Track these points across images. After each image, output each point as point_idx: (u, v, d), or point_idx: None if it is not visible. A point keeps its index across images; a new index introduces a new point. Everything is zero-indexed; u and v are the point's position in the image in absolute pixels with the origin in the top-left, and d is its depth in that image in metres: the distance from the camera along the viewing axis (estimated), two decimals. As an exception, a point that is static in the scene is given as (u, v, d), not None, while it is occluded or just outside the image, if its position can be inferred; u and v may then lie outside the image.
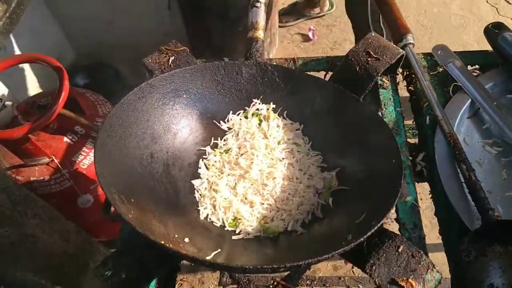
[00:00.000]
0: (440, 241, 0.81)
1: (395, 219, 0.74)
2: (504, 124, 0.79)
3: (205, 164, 0.79)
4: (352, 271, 1.78)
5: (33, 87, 1.77)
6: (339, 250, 0.53)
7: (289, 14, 2.54)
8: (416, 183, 0.78)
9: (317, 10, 2.51)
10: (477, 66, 0.90)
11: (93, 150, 1.31)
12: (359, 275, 1.75)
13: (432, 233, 1.50)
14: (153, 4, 1.92)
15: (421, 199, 1.83)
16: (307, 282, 1.55)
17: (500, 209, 0.73)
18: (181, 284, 1.72)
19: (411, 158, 0.80)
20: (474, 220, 0.70)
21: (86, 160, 1.33)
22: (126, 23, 1.98)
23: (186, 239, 0.63)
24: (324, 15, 2.56)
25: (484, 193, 0.69)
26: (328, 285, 1.60)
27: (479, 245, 0.67)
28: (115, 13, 1.95)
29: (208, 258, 0.57)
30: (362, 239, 0.54)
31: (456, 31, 2.48)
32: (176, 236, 0.63)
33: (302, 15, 2.54)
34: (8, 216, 0.93)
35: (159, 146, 0.76)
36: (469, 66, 0.89)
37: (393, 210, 0.74)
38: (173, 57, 0.85)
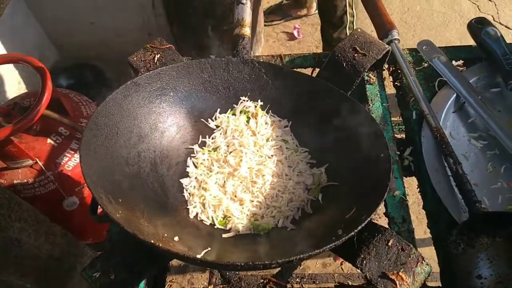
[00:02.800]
0: (427, 236, 0.82)
1: (384, 213, 0.74)
2: (489, 117, 0.80)
3: (193, 163, 0.78)
4: (341, 267, 1.79)
5: (14, 89, 1.74)
6: (330, 245, 0.53)
7: (275, 13, 2.53)
8: (403, 178, 0.78)
9: (304, 11, 2.50)
10: (461, 61, 0.91)
11: (78, 150, 1.29)
12: (348, 272, 1.77)
13: (419, 228, 1.51)
14: (137, 2, 1.89)
15: (407, 194, 1.85)
16: (297, 279, 1.55)
17: (486, 201, 0.74)
18: (171, 286, 1.70)
19: (398, 153, 0.80)
20: (461, 212, 0.70)
21: (71, 161, 1.30)
22: (110, 22, 1.95)
23: (176, 238, 0.62)
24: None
25: (471, 185, 0.69)
26: (317, 282, 1.61)
27: (467, 237, 0.68)
28: (98, 12, 1.92)
29: (198, 256, 0.57)
30: (352, 233, 0.54)
31: (439, 29, 2.51)
32: (166, 235, 0.62)
33: (288, 15, 2.53)
34: (-9, 220, 0.91)
35: (146, 145, 0.75)
36: (453, 61, 0.90)
37: (382, 205, 0.75)
38: (158, 55, 0.84)
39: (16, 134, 1.16)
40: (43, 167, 1.25)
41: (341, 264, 1.79)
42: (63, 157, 1.29)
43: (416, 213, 1.79)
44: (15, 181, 1.24)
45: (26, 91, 1.74)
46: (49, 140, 1.29)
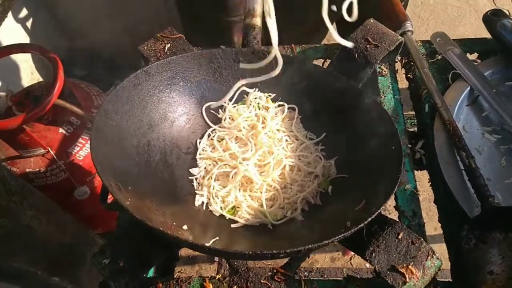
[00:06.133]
0: (438, 232, 0.80)
1: (394, 207, 0.74)
2: (503, 111, 0.79)
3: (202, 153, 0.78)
4: (350, 262, 1.78)
5: (27, 79, 1.75)
6: (339, 236, 0.52)
7: None
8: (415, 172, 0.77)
9: None
10: (476, 54, 0.90)
11: (89, 138, 1.30)
12: (357, 267, 1.76)
13: (429, 224, 1.49)
14: (149, -5, 1.90)
15: (418, 190, 1.82)
16: (305, 273, 1.55)
17: (499, 196, 0.72)
18: (179, 276, 1.72)
19: (410, 146, 0.79)
20: (473, 207, 0.69)
21: (82, 151, 1.32)
22: (121, 14, 1.96)
23: (185, 227, 0.62)
24: None
25: (483, 180, 0.68)
26: (325, 276, 1.61)
27: (479, 232, 0.66)
28: (111, 5, 1.93)
29: (207, 244, 0.57)
30: (362, 225, 0.54)
31: (453, 23, 2.47)
32: (174, 223, 0.62)
33: None
34: (3, 206, 0.92)
35: (156, 134, 0.75)
36: (468, 54, 0.89)
37: (392, 198, 0.74)
38: (169, 44, 0.84)
39: (29, 123, 1.17)
40: (54, 156, 1.26)
41: (350, 259, 1.79)
42: (74, 146, 1.30)
43: (427, 210, 1.77)
44: (27, 170, 1.26)
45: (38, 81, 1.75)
46: (60, 130, 1.30)
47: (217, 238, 0.62)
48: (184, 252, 1.77)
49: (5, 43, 1.54)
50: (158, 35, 0.85)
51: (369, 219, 0.54)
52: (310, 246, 0.51)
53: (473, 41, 0.92)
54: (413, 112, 0.88)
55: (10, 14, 1.54)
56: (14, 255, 0.98)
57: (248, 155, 0.75)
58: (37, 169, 1.26)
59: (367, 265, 1.74)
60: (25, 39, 1.74)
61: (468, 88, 0.82)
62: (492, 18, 0.87)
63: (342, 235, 0.52)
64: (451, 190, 0.71)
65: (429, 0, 2.58)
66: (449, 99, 0.81)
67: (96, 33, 2.03)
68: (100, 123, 0.65)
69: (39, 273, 1.04)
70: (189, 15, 1.84)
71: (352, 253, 1.78)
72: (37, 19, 1.82)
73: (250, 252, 0.50)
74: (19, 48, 1.26)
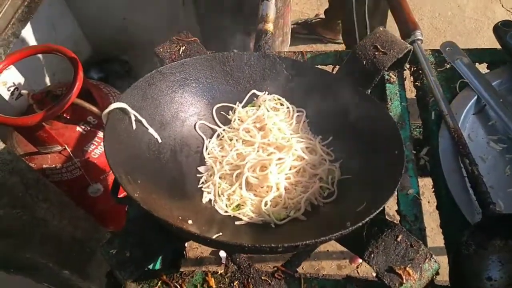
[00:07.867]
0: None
1: (396, 211, 0.75)
2: (510, 121, 0.79)
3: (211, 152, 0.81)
4: (357, 271, 1.78)
5: (49, 78, 1.81)
6: (337, 234, 0.54)
7: (302, 26, 2.44)
8: (425, 186, 0.78)
9: (330, 34, 2.37)
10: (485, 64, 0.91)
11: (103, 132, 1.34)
12: (364, 275, 1.76)
13: (438, 236, 1.49)
14: (168, 1, 1.95)
15: (428, 202, 1.81)
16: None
17: (501, 204, 0.73)
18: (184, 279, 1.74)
19: (415, 152, 0.80)
20: (475, 214, 0.70)
21: (97, 149, 1.35)
22: (140, 19, 2.01)
23: (190, 221, 0.65)
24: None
25: (486, 187, 0.69)
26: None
27: (479, 238, 0.67)
28: (130, 9, 1.98)
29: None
30: (360, 224, 0.55)
31: (470, 35, 2.46)
32: (180, 217, 0.64)
33: (315, 33, 2.41)
34: (20, 198, 0.96)
35: (167, 133, 0.78)
36: (477, 64, 0.89)
37: (394, 203, 0.75)
38: (183, 47, 0.87)
39: (48, 121, 1.22)
40: (71, 153, 1.30)
41: (357, 267, 1.78)
42: (90, 145, 1.34)
43: (437, 221, 1.77)
44: (44, 166, 1.30)
45: (59, 81, 1.81)
46: (78, 128, 1.34)
47: (221, 233, 0.64)
48: (192, 254, 1.79)
49: (29, 43, 1.61)
50: (174, 38, 0.88)
51: (367, 219, 0.56)
52: (307, 241, 0.52)
53: (482, 51, 0.93)
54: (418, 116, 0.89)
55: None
56: (28, 247, 1.02)
57: (254, 155, 0.77)
58: (54, 166, 1.30)
59: (374, 274, 1.73)
60: (47, 39, 1.81)
61: (475, 97, 0.83)
62: (502, 29, 0.88)
63: (340, 232, 0.54)
64: (453, 196, 0.72)
65: (446, 12, 2.58)
66: (455, 107, 0.82)
67: (115, 36, 2.09)
68: (114, 120, 0.68)
69: (51, 265, 1.07)
70: (207, 23, 1.88)
71: (359, 261, 1.78)
72: (60, 21, 1.89)
73: (249, 245, 0.52)
74: (43, 48, 1.31)
